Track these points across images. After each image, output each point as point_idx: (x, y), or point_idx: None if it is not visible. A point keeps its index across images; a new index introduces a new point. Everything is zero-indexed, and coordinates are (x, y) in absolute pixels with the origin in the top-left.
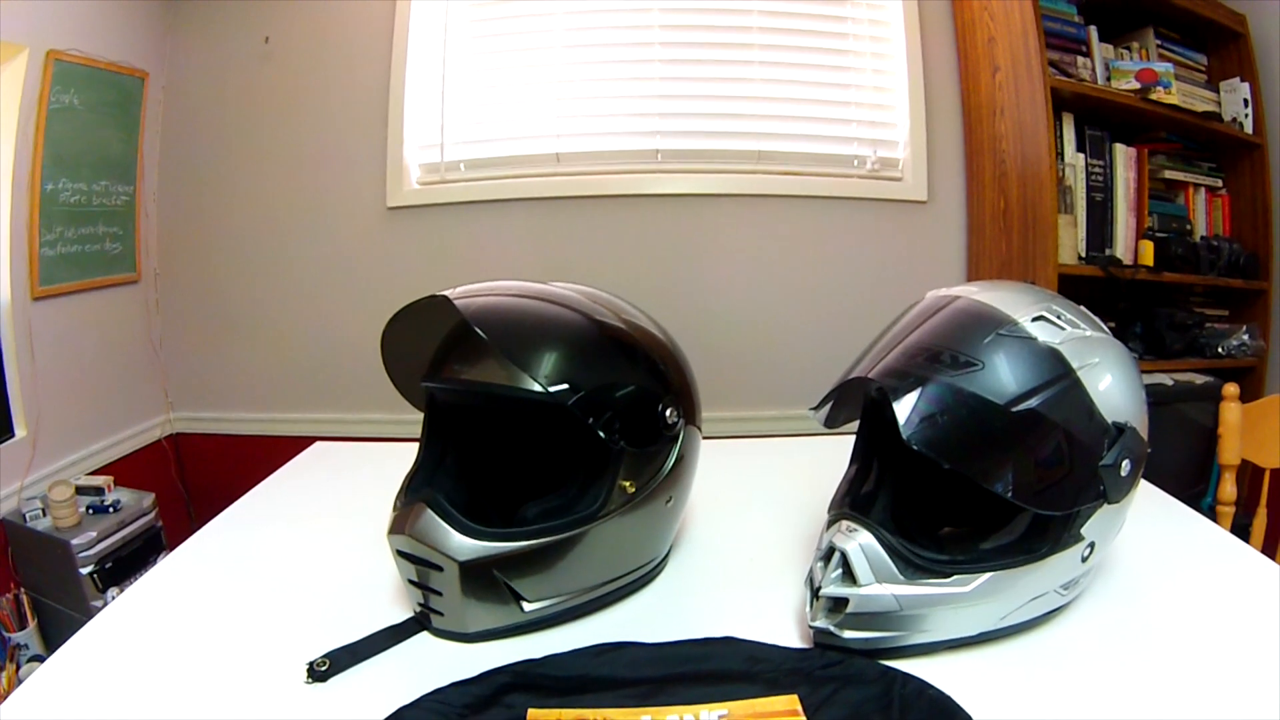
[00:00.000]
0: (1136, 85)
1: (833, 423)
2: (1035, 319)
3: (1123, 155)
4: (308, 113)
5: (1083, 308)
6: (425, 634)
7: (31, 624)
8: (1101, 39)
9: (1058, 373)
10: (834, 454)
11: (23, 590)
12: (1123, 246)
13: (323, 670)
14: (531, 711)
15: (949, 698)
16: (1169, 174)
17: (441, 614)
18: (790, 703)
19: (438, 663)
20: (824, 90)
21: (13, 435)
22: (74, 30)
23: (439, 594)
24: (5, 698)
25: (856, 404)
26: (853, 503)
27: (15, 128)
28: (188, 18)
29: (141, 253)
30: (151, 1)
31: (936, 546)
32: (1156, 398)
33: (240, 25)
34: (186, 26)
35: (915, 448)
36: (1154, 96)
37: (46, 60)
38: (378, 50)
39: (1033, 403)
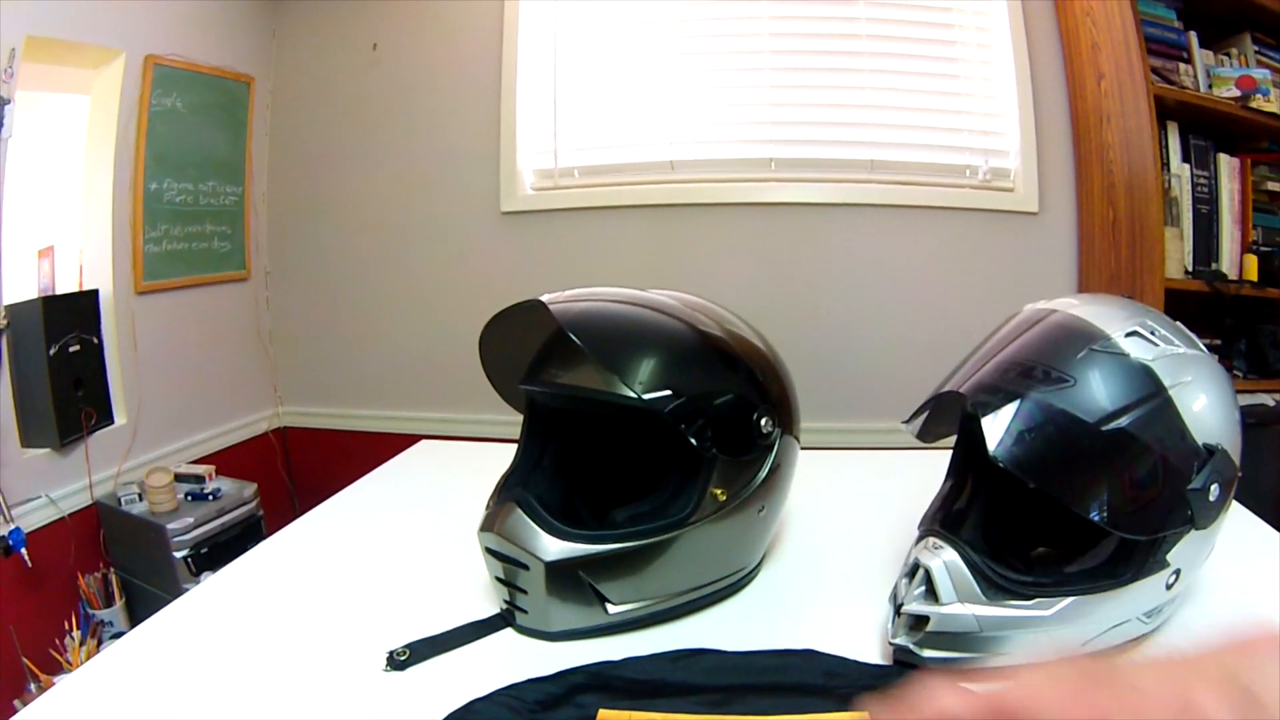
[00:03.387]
0: (1237, 92)
1: (927, 436)
2: (1129, 334)
3: (1226, 166)
4: (418, 117)
5: (1179, 323)
6: (509, 630)
7: (119, 602)
8: (1201, 45)
9: (1149, 391)
10: (937, 467)
11: (112, 570)
12: (1228, 261)
13: (402, 660)
14: (602, 712)
15: None
16: (1271, 186)
17: (526, 611)
18: None
19: (518, 659)
20: (934, 99)
21: (112, 422)
22: (176, 36)
23: (524, 592)
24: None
25: (953, 418)
26: (944, 519)
27: (115, 130)
28: (293, 24)
29: (251, 251)
30: (256, 9)
31: (1025, 567)
32: (1257, 419)
33: (347, 31)
34: (293, 33)
35: (1002, 465)
36: (1254, 104)
37: (145, 65)
38: (488, 56)
39: (1123, 421)
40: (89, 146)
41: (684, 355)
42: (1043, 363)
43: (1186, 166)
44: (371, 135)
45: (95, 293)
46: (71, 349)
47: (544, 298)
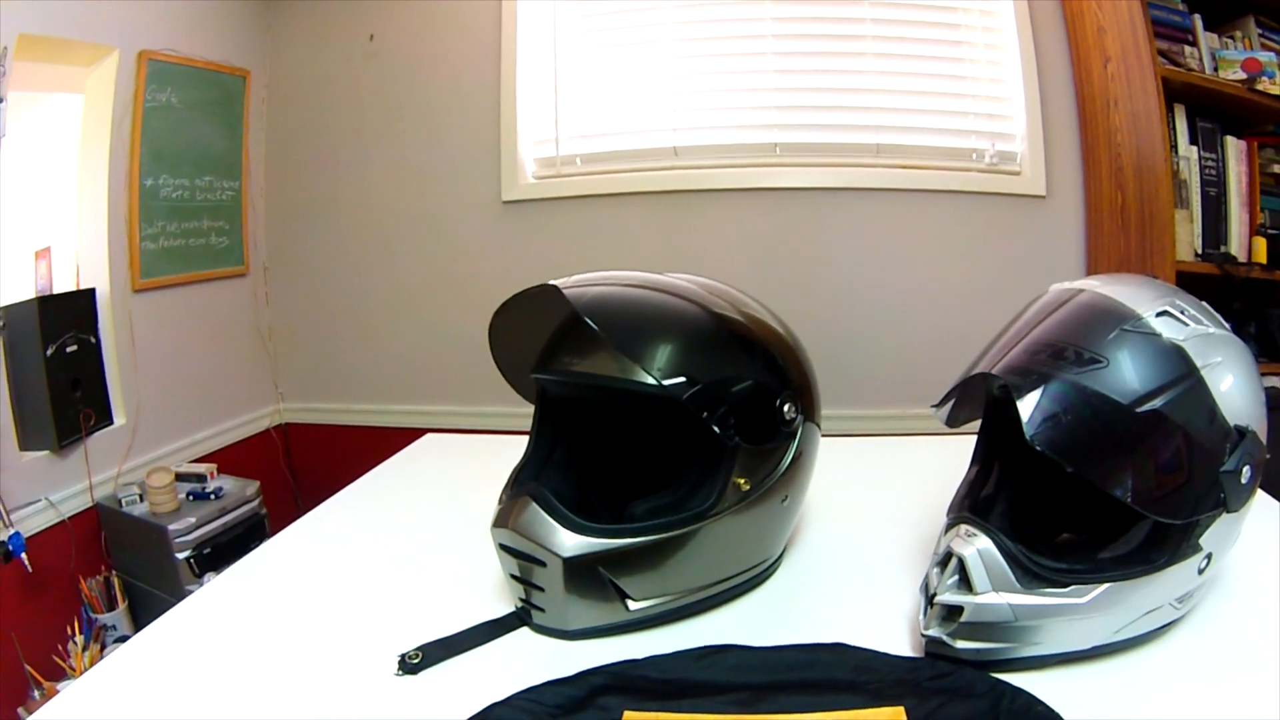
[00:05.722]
0: (1243, 75)
1: (954, 421)
2: (1159, 314)
3: (1234, 148)
4: (417, 108)
5: (1204, 303)
6: (525, 630)
7: (121, 606)
8: (1205, 28)
9: (1181, 372)
10: (957, 453)
11: (114, 573)
12: (1237, 243)
13: (414, 663)
14: (627, 714)
15: (1057, 715)
16: (1278, 168)
17: (543, 610)
18: (895, 715)
19: (536, 660)
20: (940, 82)
21: (111, 423)
22: (170, 31)
23: (541, 590)
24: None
25: (979, 402)
26: (972, 506)
27: (110, 127)
28: (288, 17)
29: (250, 246)
30: (251, 2)
31: (1054, 554)
32: (1269, 401)
33: (343, 23)
34: (288, 25)
35: (1039, 449)
36: (1260, 87)
37: (139, 61)
38: (487, 45)
39: (1157, 403)
40: (84, 144)
41: (704, 340)
42: (1074, 343)
43: (1194, 149)
44: (370, 127)
45: (92, 292)
46: (69, 349)
47: (556, 282)
